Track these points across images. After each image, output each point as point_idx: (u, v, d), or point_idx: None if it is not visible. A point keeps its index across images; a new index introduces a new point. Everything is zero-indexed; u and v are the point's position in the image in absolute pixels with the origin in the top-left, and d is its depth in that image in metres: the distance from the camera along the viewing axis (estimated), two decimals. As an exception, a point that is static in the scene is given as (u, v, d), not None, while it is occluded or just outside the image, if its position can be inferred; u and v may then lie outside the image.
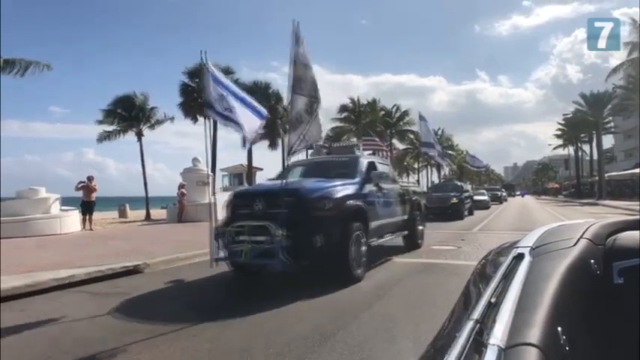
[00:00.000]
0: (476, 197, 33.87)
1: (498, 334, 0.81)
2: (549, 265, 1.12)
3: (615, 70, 38.45)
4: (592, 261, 1.19)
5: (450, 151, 59.03)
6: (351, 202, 8.02)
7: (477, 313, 0.97)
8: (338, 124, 49.61)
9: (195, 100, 32.94)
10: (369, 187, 8.91)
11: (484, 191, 43.34)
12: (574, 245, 1.25)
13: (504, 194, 57.26)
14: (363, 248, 8.08)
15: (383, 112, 52.42)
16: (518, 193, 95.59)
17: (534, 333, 0.79)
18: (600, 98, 51.76)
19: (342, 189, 8.06)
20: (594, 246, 1.26)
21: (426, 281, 8.07)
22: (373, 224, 8.63)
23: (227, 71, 36.34)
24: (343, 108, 49.68)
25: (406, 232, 11.22)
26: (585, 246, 1.25)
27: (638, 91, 35.14)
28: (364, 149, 17.81)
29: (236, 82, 40.23)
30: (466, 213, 25.85)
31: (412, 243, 11.73)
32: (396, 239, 10.77)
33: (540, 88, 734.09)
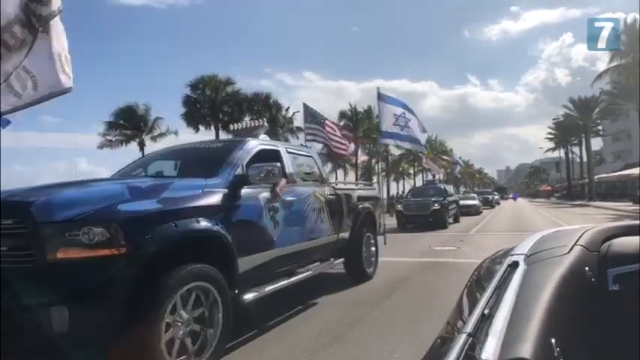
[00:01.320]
0: (465, 202, 30.16)
1: (490, 349, 0.78)
2: (543, 274, 1.09)
3: (600, 75, 39.32)
4: (587, 268, 1.15)
5: (444, 157, 58.46)
6: (189, 223, 3.90)
7: (469, 326, 0.93)
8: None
9: (198, 111, 33.21)
10: (248, 193, 4.83)
11: (474, 195, 37.80)
12: (568, 252, 1.21)
13: (496, 197, 52.87)
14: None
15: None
16: (510, 196, 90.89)
17: (527, 347, 0.77)
18: (588, 103, 52.73)
19: (165, 197, 3.89)
20: (589, 252, 1.22)
21: (433, 277, 8.36)
22: (253, 260, 4.75)
23: (227, 82, 36.74)
24: (342, 115, 49.46)
25: (341, 260, 7.13)
26: (580, 253, 1.21)
27: (624, 96, 36.69)
28: (308, 139, 12.70)
29: (237, 92, 41.11)
30: (451, 220, 21.97)
31: (356, 272, 7.53)
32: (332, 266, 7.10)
33: (530, 91, 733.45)
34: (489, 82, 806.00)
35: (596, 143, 68.19)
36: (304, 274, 5.93)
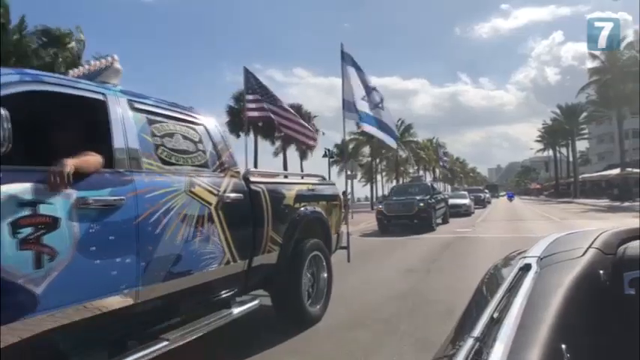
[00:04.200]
0: (454, 201, 24.59)
1: (498, 354, 0.71)
2: (556, 277, 0.99)
3: (583, 88, 41.95)
4: (601, 272, 1.04)
5: (445, 157, 55.93)
6: None
7: (477, 330, 0.83)
8: (354, 136, 48.32)
9: (241, 120, 34.18)
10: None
11: (465, 193, 29.77)
12: (582, 255, 1.09)
13: (487, 195, 45.04)
14: None
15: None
16: (502, 194, 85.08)
17: (535, 353, 0.70)
18: (574, 109, 53.95)
19: None
20: (604, 255, 1.10)
21: (467, 242, 11.78)
22: None
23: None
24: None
25: (254, 303, 3.84)
26: (594, 255, 1.09)
27: (605, 104, 39.03)
28: (250, 115, 8.71)
29: None
30: (439, 221, 17.90)
31: (290, 313, 4.34)
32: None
33: (521, 90, 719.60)
34: (480, 80, 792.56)
35: (583, 145, 70.40)
36: (158, 347, 2.68)
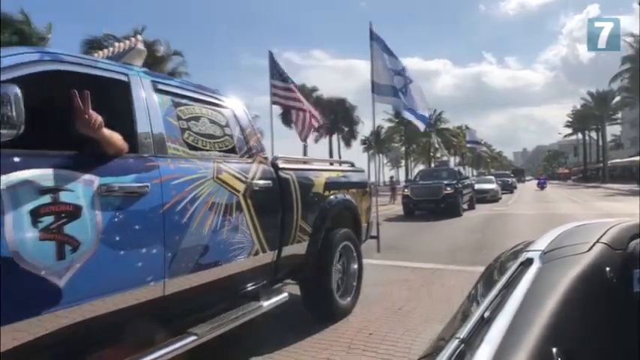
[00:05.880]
0: (481, 186, 23.26)
1: (482, 357, 0.67)
2: (557, 274, 0.91)
3: (615, 77, 42.38)
4: (607, 268, 0.94)
5: (483, 147, 55.17)
6: None
7: (464, 331, 0.78)
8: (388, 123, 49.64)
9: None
10: None
11: (492, 178, 28.29)
12: (588, 250, 0.99)
13: (514, 180, 42.22)
14: None
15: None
16: (528, 178, 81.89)
17: (522, 356, 0.66)
18: (605, 96, 53.65)
19: None
20: (612, 251, 1.00)
21: (504, 217, 14.15)
22: None
23: (313, 89, 38.90)
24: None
25: (283, 297, 3.52)
26: (601, 251, 0.99)
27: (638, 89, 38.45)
28: (274, 100, 8.72)
29: (320, 97, 42.00)
30: (465, 207, 17.19)
31: (320, 305, 4.12)
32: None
33: (550, 69, 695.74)
34: (506, 59, 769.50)
35: (616, 129, 69.73)
36: (186, 342, 2.52)
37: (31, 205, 1.83)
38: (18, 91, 1.75)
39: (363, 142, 41.74)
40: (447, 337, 0.87)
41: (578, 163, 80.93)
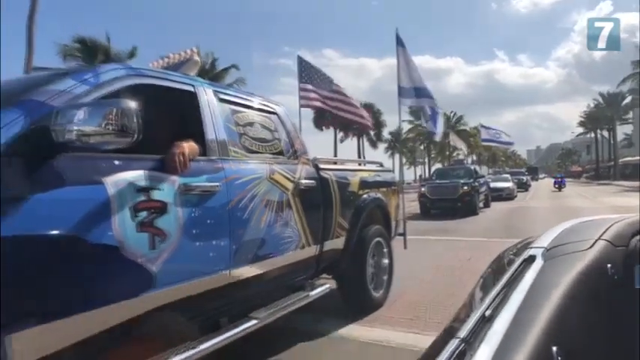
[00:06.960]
0: (496, 184, 23.21)
1: (482, 357, 0.67)
2: (558, 271, 0.90)
3: (625, 80, 45.72)
4: (609, 265, 0.93)
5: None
6: None
7: (465, 331, 0.77)
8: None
9: (324, 118, 40.53)
10: (58, 170, 1.90)
11: (507, 176, 28.14)
12: (590, 247, 0.98)
13: (528, 178, 42.22)
14: None
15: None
16: (542, 176, 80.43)
17: (520, 357, 0.65)
18: (615, 97, 56.39)
19: None
20: (614, 248, 0.99)
21: (526, 210, 16.74)
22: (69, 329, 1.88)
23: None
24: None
25: (325, 287, 3.84)
26: (603, 248, 0.98)
27: None
28: (302, 104, 8.34)
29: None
30: (481, 205, 17.09)
31: (356, 298, 4.36)
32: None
33: (562, 66, 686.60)
34: (518, 57, 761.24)
35: (628, 128, 68.19)
36: (248, 325, 2.84)
37: (131, 202, 2.12)
38: (137, 106, 2.02)
39: (389, 142, 44.85)
40: (448, 337, 0.88)
41: (591, 161, 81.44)
